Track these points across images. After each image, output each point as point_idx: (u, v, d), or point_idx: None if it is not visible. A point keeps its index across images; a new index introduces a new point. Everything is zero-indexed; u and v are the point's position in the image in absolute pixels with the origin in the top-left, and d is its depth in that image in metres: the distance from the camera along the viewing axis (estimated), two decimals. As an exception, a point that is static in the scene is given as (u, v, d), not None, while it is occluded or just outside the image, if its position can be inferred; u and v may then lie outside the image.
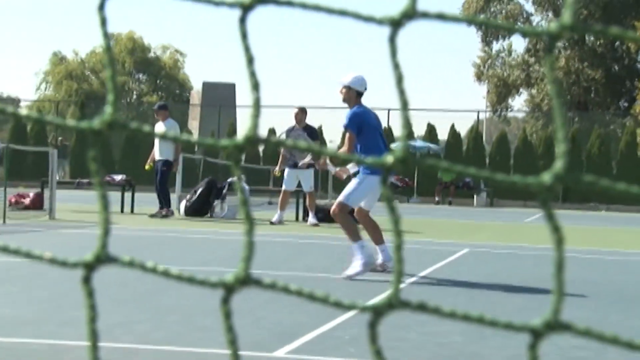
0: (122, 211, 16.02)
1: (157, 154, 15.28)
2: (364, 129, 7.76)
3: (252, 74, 0.53)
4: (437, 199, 28.78)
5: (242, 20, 0.54)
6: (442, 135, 32.00)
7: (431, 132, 31.55)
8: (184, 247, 10.04)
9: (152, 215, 14.92)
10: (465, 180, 28.58)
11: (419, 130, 32.48)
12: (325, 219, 14.05)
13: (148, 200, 18.48)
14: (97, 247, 0.63)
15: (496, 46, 41.96)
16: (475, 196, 27.98)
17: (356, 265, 7.39)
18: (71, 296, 5.53)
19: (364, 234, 7.90)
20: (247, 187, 15.78)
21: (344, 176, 8.79)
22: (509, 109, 43.08)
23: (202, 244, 10.50)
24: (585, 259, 9.98)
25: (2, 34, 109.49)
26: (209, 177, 16.89)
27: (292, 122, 14.44)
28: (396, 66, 0.52)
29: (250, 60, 0.55)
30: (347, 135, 7.79)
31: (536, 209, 21.75)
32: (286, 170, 14.79)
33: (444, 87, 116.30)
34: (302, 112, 14.38)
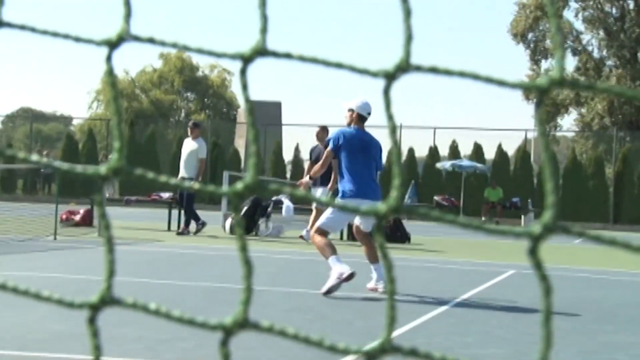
0: (169, 229, 16.21)
1: (182, 171, 15.45)
2: (345, 149, 7.89)
3: (253, 125, 0.54)
4: (483, 218, 28.51)
5: (243, 72, 0.55)
6: (489, 154, 31.76)
7: (477, 151, 31.34)
8: (229, 265, 10.11)
9: (195, 233, 15.08)
10: (512, 200, 28.30)
11: (466, 149, 32.30)
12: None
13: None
14: (103, 288, 0.66)
15: (545, 64, 41.58)
16: (522, 216, 27.67)
17: (331, 279, 7.40)
18: (118, 313, 5.60)
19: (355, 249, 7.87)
20: (291, 205, 15.86)
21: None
22: (558, 128, 42.60)
23: (246, 262, 10.56)
24: (637, 282, 9.79)
25: (57, 54, 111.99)
26: (254, 195, 17.00)
27: (315, 141, 14.67)
28: (390, 117, 0.53)
29: (250, 111, 0.56)
30: (326, 152, 8.00)
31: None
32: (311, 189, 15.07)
33: (491, 105, 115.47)
34: (323, 131, 14.61)
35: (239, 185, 0.57)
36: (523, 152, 31.37)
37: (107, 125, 38.83)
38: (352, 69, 0.54)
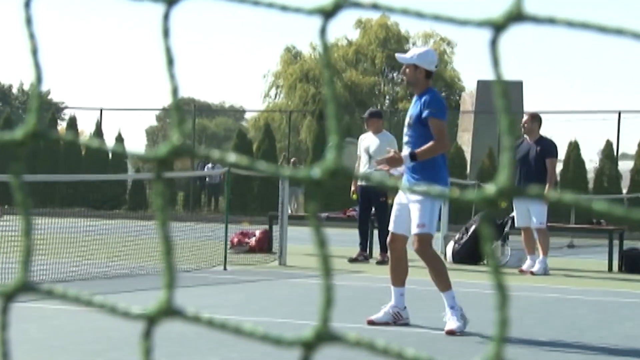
0: (370, 255, 16.52)
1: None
2: None
3: (329, 66, 0.58)
4: None
5: (323, 31, 0.60)
6: None
7: None
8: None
9: (352, 260, 15.32)
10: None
11: None
12: None
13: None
14: (162, 299, 0.73)
15: None
16: None
17: (454, 320, 7.74)
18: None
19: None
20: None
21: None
22: None
23: (472, 299, 10.54)
24: None
25: (228, 32, 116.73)
26: (483, 212, 16.91)
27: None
28: (499, 77, 0.55)
29: (328, 64, 0.60)
30: (439, 125, 7.65)
31: None
32: None
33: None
34: (533, 121, 15.00)
35: (317, 171, 0.61)
36: None
37: (289, 119, 39.87)
38: (450, 20, 0.57)
